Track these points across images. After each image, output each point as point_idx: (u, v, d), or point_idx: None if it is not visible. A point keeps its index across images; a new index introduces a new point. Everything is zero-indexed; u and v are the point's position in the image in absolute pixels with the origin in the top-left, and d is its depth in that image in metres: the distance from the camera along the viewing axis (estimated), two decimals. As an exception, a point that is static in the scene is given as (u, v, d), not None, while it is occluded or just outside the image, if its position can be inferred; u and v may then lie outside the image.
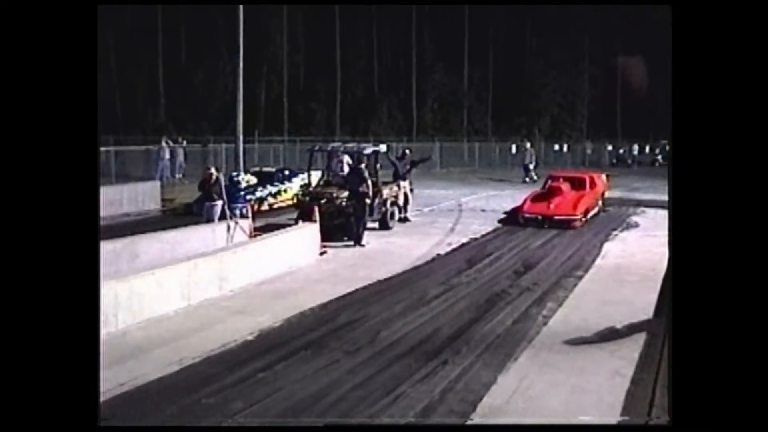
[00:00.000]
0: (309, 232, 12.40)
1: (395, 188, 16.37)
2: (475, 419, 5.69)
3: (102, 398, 4.57)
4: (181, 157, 26.21)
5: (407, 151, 19.33)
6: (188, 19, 36.77)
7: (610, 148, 44.59)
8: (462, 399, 6.06)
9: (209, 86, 36.22)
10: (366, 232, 13.91)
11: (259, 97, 37.32)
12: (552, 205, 16.44)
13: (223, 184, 13.08)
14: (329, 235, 13.10)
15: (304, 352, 7.26)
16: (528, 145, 31.88)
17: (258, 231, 13.15)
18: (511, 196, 20.78)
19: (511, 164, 34.57)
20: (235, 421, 5.59)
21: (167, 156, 25.32)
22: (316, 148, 18.13)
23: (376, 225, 15.07)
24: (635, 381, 6.51)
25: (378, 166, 15.95)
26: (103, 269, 4.50)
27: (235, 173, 17.26)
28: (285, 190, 18.84)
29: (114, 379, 6.16)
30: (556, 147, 41.35)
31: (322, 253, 12.43)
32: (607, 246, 13.94)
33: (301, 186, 17.34)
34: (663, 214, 17.66)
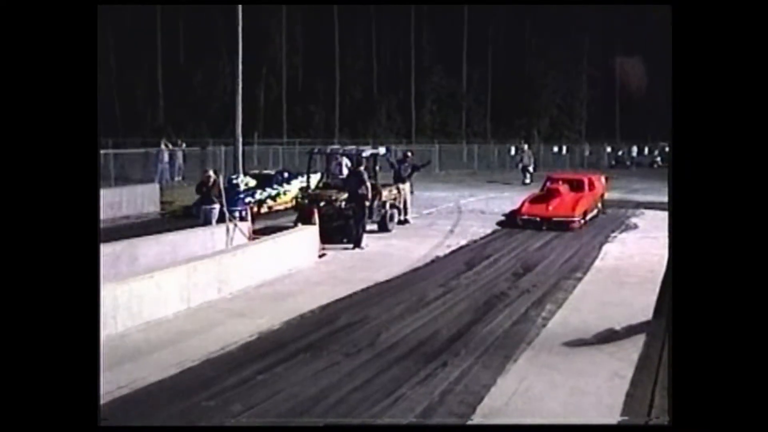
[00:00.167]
0: (308, 234, 12.40)
1: (394, 190, 16.38)
2: (475, 421, 5.70)
3: (101, 401, 4.57)
4: (180, 160, 26.20)
5: (408, 153, 19.33)
6: (187, 21, 36.77)
7: (608, 149, 44.63)
8: (461, 401, 6.07)
9: (208, 88, 36.22)
10: (365, 235, 13.92)
11: (258, 99, 37.31)
12: (550, 207, 16.43)
13: (222, 186, 13.07)
14: (328, 237, 13.10)
15: (304, 354, 7.27)
16: (526, 147, 31.92)
17: (257, 233, 13.15)
18: (510, 199, 20.79)
19: (510, 166, 34.58)
20: (235, 422, 5.60)
21: (166, 158, 25.33)
22: (315, 150, 18.14)
23: (375, 227, 15.08)
24: (634, 383, 6.52)
25: (377, 168, 15.97)
26: (103, 272, 4.51)
27: (234, 176, 17.27)
28: (284, 193, 18.84)
29: (113, 381, 6.16)
30: (555, 149, 41.37)
31: (321, 256, 12.43)
32: (606, 248, 13.95)
33: (300, 188, 17.33)
34: (662, 216, 17.68)
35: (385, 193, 15.60)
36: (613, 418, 5.77)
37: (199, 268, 9.40)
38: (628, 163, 42.65)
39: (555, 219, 15.99)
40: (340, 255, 12.89)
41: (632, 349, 7.48)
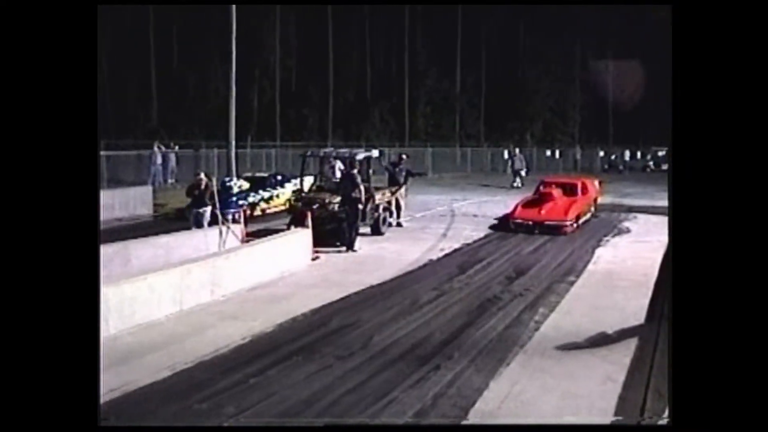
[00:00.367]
0: (301, 237, 12.39)
1: (388, 193, 16.39)
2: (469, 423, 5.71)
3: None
4: (173, 162, 26.15)
5: (403, 156, 19.30)
6: (180, 22, 36.66)
7: (601, 153, 44.77)
8: (454, 404, 6.07)
9: (201, 90, 36.14)
10: (358, 238, 13.91)
11: (251, 101, 37.25)
12: (543, 211, 16.44)
13: (214, 190, 13.02)
14: (321, 240, 13.08)
15: (297, 357, 7.26)
16: (517, 151, 32.00)
17: (250, 236, 13.14)
18: (503, 202, 20.83)
19: (503, 170, 34.63)
20: (234, 422, 5.60)
21: (159, 161, 25.30)
22: (309, 153, 18.10)
23: (368, 230, 15.08)
24: (627, 386, 6.53)
25: (370, 171, 15.97)
26: (96, 274, 4.50)
27: (227, 178, 17.24)
28: (277, 196, 18.82)
29: (105, 384, 6.10)
30: (548, 152, 41.47)
31: (314, 259, 12.42)
32: (598, 251, 13.98)
33: (294, 191, 17.32)
34: (655, 221, 17.82)
35: (378, 196, 15.60)
36: (606, 421, 5.77)
37: (192, 271, 9.38)
38: (620, 167, 42.78)
39: (547, 223, 16.00)
40: (333, 258, 12.88)
41: (625, 352, 7.50)
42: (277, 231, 13.33)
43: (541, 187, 18.25)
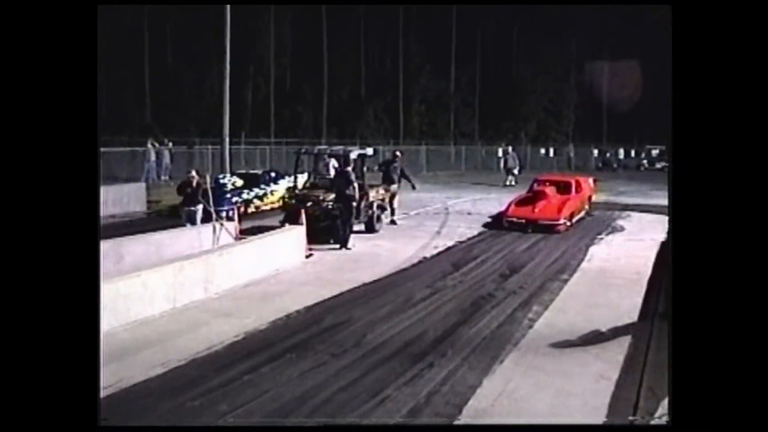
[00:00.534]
0: (295, 234, 12.37)
1: (382, 191, 16.39)
2: (462, 422, 5.70)
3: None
4: (167, 159, 26.09)
5: (398, 153, 19.28)
6: (175, 20, 36.61)
7: (596, 152, 44.86)
8: (447, 402, 6.07)
9: (196, 88, 36.10)
10: (352, 235, 13.91)
11: (245, 98, 37.24)
12: (536, 209, 16.44)
13: (208, 187, 12.99)
14: (315, 237, 13.07)
15: (290, 354, 7.25)
16: (510, 149, 32.04)
17: (244, 233, 13.11)
18: (497, 200, 20.84)
19: (497, 168, 34.66)
20: (233, 422, 5.59)
21: (153, 158, 25.22)
22: (303, 150, 18.06)
23: (362, 228, 15.08)
24: (620, 384, 6.54)
25: (365, 168, 15.96)
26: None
27: (221, 175, 17.20)
28: (271, 193, 18.82)
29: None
30: (543, 151, 41.53)
31: (308, 256, 12.41)
32: (592, 249, 14.00)
33: (288, 188, 17.30)
34: (648, 219, 17.88)
35: (372, 193, 15.59)
36: (599, 419, 5.78)
37: (186, 268, 9.36)
38: (615, 165, 42.90)
39: (540, 221, 16.00)
40: (326, 255, 12.87)
41: (618, 350, 7.51)
42: (270, 228, 13.30)
43: (535, 185, 18.26)
